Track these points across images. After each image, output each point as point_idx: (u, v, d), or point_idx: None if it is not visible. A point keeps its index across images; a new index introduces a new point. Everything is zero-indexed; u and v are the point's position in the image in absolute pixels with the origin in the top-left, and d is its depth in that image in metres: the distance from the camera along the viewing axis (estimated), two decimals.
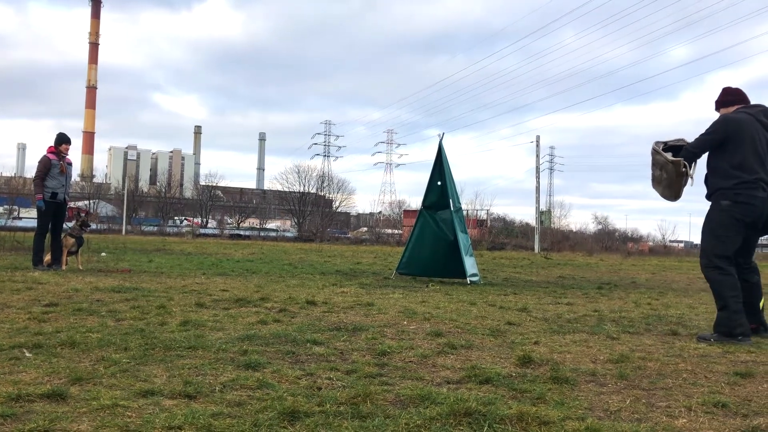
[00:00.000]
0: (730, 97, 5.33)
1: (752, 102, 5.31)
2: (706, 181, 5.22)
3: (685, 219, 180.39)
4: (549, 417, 2.70)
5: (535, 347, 4.36)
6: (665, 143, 5.40)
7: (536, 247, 42.56)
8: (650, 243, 62.37)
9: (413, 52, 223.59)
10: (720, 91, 5.41)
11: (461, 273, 10.23)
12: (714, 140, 5.13)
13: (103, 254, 14.93)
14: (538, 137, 47.58)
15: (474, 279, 10.32)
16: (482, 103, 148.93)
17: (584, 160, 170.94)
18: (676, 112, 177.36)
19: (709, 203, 5.16)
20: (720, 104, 5.36)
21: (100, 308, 5.53)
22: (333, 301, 6.52)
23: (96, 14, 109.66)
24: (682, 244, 70.37)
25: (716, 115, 5.29)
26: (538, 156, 47.71)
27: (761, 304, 5.23)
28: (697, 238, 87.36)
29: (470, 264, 10.53)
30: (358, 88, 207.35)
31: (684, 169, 5.26)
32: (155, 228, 53.78)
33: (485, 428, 2.59)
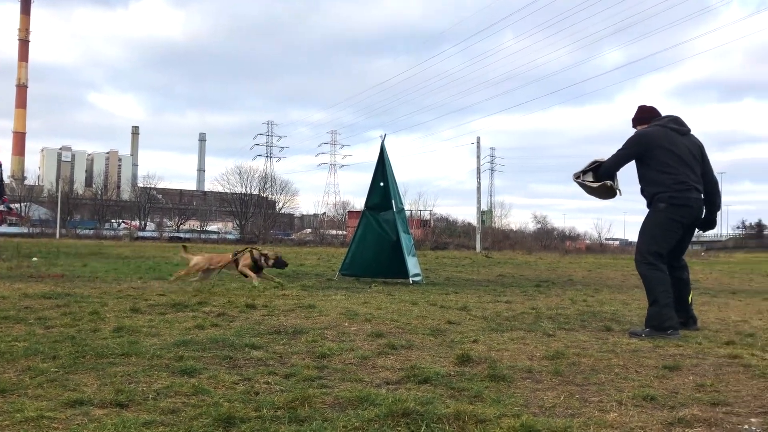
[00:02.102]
0: (645, 114, 5.62)
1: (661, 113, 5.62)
2: (642, 192, 5.48)
3: (620, 217, 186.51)
4: (485, 415, 2.74)
5: (474, 345, 4.41)
6: (582, 171, 5.66)
7: (478, 246, 43.20)
8: (587, 241, 64.21)
9: (356, 53, 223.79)
10: (636, 109, 5.72)
11: (404, 273, 10.29)
12: (629, 155, 5.46)
13: (35, 259, 14.34)
14: (478, 138, 48.33)
15: (416, 279, 10.39)
16: (425, 105, 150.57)
17: (524, 161, 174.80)
18: (611, 114, 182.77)
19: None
20: (636, 121, 5.67)
21: (28, 315, 5.30)
22: (273, 304, 6.44)
23: (26, 10, 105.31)
24: (617, 242, 72.75)
25: (632, 131, 5.61)
26: (479, 157, 48.47)
27: (690, 298, 5.48)
28: (631, 236, 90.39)
29: (413, 264, 10.61)
30: (300, 89, 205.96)
31: (610, 185, 5.57)
32: (91, 231, 52.00)
33: (423, 428, 2.60)
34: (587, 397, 3.13)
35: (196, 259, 9.57)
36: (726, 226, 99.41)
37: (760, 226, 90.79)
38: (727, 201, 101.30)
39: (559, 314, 6.40)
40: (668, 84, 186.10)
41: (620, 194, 5.70)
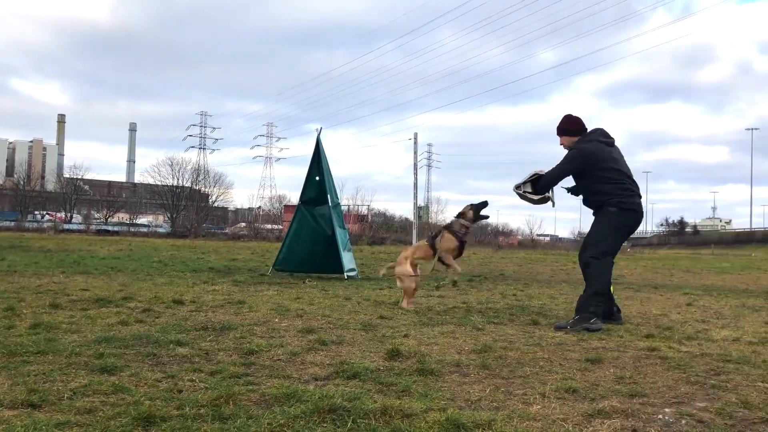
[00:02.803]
0: (573, 126, 5.83)
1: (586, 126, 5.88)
2: (587, 201, 5.75)
3: (551, 215, 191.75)
4: (412, 409, 2.75)
5: (405, 340, 4.43)
6: (523, 182, 5.84)
7: (414, 241, 43.53)
8: (519, 237, 65.74)
9: (294, 45, 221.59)
10: (563, 118, 5.90)
11: (339, 268, 10.25)
12: (571, 170, 5.70)
13: None
14: (415, 134, 48.43)
15: (351, 274, 10.38)
16: (363, 99, 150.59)
17: (460, 157, 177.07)
18: (544, 113, 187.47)
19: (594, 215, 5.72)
20: (563, 131, 5.85)
21: None
22: (202, 300, 6.30)
23: None
24: (548, 238, 74.76)
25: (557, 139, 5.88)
26: (416, 153, 48.74)
27: (611, 290, 5.73)
28: (561, 233, 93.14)
29: (348, 259, 10.58)
30: (236, 80, 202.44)
31: (548, 197, 5.83)
32: (12, 223, 49.70)
33: (349, 424, 2.59)
34: (512, 390, 3.19)
35: (400, 270, 6.53)
36: (651, 223, 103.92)
37: (682, 223, 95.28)
38: (652, 199, 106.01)
39: (489, 308, 6.51)
40: (599, 85, 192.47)
41: (554, 206, 5.96)
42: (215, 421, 2.57)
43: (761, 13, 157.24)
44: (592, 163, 5.57)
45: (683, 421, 2.73)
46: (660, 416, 2.80)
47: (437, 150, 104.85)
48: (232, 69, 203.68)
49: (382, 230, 54.43)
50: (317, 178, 10.76)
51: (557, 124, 5.86)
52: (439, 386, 3.22)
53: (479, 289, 9.02)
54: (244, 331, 4.61)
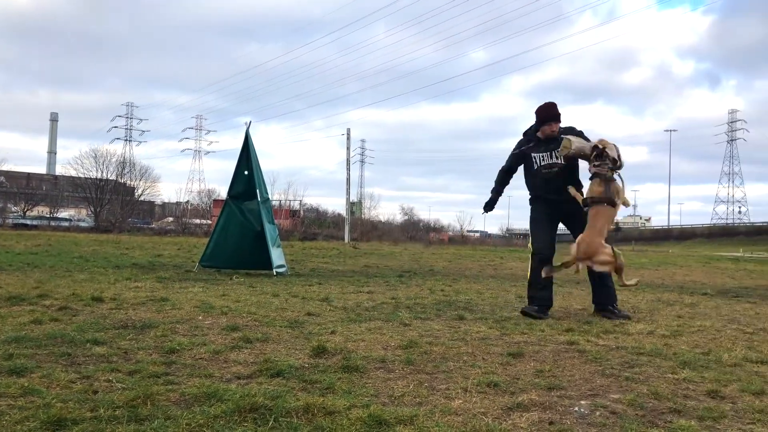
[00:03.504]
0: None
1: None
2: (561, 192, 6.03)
3: (480, 210, 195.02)
4: (335, 407, 2.74)
5: (331, 337, 4.42)
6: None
7: (346, 237, 43.52)
8: (450, 233, 66.70)
9: (226, 35, 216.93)
10: (553, 104, 6.08)
11: (268, 264, 10.13)
12: None
13: None
14: (348, 130, 48.55)
15: (280, 270, 10.27)
16: (296, 93, 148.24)
17: (393, 153, 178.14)
18: (476, 112, 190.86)
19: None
20: (558, 117, 6.09)
21: None
22: (123, 297, 6.10)
23: None
24: (477, 234, 76.16)
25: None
26: (348, 148, 48.74)
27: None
28: (490, 229, 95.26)
29: (277, 255, 10.46)
30: (164, 71, 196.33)
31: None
32: None
33: (270, 422, 2.56)
34: (435, 385, 3.23)
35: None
36: None
37: None
38: None
39: (417, 304, 6.57)
40: (527, 85, 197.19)
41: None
42: (131, 423, 2.49)
43: (680, 20, 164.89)
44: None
45: (597, 413, 2.83)
46: (576, 408, 2.89)
47: (371, 146, 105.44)
48: (161, 59, 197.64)
49: (314, 226, 54.15)
50: (246, 172, 10.60)
51: (553, 110, 6.00)
52: (364, 383, 3.23)
53: (408, 285, 9.09)
54: (165, 329, 4.49)
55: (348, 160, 48.69)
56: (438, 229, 71.89)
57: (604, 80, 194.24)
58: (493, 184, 6.34)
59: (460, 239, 57.32)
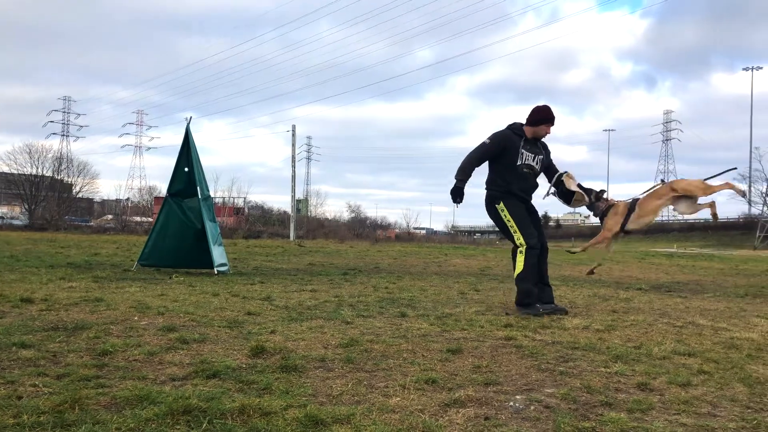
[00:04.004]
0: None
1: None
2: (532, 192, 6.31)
3: (426, 208, 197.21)
4: (272, 407, 2.71)
5: (271, 336, 4.37)
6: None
7: (292, 235, 43.18)
8: (396, 230, 67.02)
9: (168, 29, 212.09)
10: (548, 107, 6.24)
11: (209, 263, 9.95)
12: None
13: None
14: (294, 126, 48.13)
15: (222, 269, 10.10)
16: (241, 89, 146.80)
17: (340, 151, 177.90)
18: (421, 110, 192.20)
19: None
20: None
21: None
22: (55, 298, 5.88)
23: None
24: (423, 231, 76.76)
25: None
26: (294, 145, 48.34)
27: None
28: (436, 226, 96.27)
29: (218, 254, 10.28)
30: (103, 64, 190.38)
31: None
32: None
33: (204, 425, 2.51)
34: (374, 383, 3.23)
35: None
36: None
37: (545, 217, 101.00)
38: None
39: (360, 302, 6.56)
40: (472, 84, 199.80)
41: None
42: (57, 428, 2.41)
43: (619, 22, 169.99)
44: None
45: (532, 407, 2.89)
46: (511, 403, 2.94)
47: (317, 143, 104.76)
48: (100, 52, 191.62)
49: (258, 223, 53.49)
50: (186, 169, 10.38)
51: (552, 113, 6.14)
52: (302, 382, 3.20)
53: (353, 282, 9.08)
54: (99, 330, 4.35)
55: (293, 157, 48.33)
56: (385, 226, 72.15)
57: (546, 80, 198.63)
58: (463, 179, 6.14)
59: (407, 236, 57.61)
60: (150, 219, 50.22)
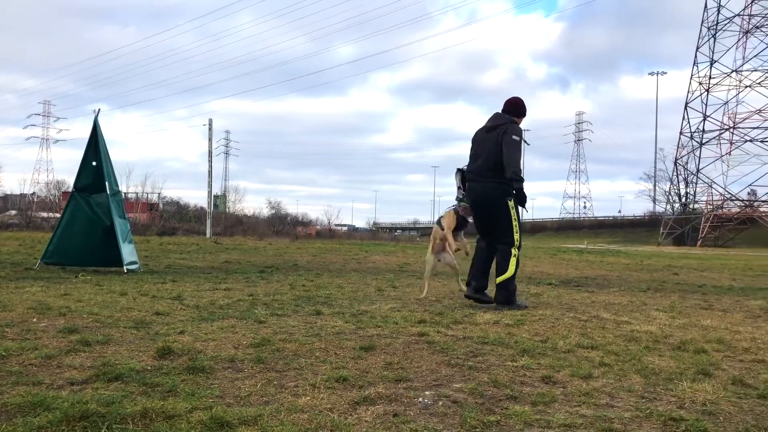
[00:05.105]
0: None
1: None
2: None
3: (348, 204, 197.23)
4: (176, 410, 2.63)
5: (179, 337, 4.24)
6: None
7: (208, 232, 42.18)
8: (317, 227, 66.65)
9: (79, 16, 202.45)
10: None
11: (118, 261, 9.58)
12: None
13: None
14: (210, 120, 46.94)
15: (132, 267, 9.76)
16: (156, 80, 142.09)
17: (260, 146, 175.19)
18: (343, 106, 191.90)
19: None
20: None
21: None
22: None
23: None
24: (345, 228, 76.83)
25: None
26: (210, 139, 47.18)
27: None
28: (358, 223, 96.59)
29: (128, 251, 9.93)
30: (6, 51, 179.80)
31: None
32: None
33: (103, 430, 2.41)
34: (284, 383, 3.19)
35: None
36: (437, 215, 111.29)
37: None
38: (439, 192, 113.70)
39: (275, 300, 6.48)
40: (393, 82, 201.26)
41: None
42: None
43: (534, 25, 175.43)
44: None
45: (440, 403, 2.93)
46: (420, 399, 2.97)
47: (236, 137, 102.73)
48: (3, 38, 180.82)
49: (174, 220, 51.98)
50: (94, 163, 9.96)
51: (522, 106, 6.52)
52: (210, 384, 3.12)
53: (269, 280, 8.96)
54: None
55: (210, 152, 47.19)
56: (306, 223, 71.48)
57: (464, 80, 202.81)
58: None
59: (328, 233, 57.43)
60: (57, 214, 47.85)
